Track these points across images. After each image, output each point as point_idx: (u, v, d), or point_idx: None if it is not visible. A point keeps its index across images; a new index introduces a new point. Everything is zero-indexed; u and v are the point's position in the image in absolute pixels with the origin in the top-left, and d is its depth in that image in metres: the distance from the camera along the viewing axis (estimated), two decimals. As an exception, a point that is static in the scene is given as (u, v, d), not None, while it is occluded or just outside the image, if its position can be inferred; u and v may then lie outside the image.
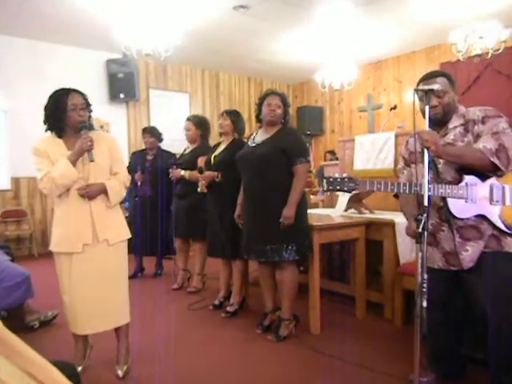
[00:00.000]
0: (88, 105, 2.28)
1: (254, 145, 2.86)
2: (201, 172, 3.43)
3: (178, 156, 4.31)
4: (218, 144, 3.56)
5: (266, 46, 6.64)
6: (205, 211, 3.58)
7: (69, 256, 2.21)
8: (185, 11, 5.12)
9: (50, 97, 2.24)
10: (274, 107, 2.79)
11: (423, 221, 1.61)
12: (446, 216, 1.88)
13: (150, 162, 4.44)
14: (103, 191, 2.23)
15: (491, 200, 1.81)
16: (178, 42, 4.78)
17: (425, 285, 1.60)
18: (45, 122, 2.26)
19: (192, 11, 5.15)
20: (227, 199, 3.18)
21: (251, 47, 6.67)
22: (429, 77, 1.96)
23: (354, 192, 3.51)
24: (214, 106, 8.03)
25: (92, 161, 2.16)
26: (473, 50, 5.05)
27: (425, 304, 1.60)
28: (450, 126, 1.93)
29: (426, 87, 1.77)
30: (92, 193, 2.19)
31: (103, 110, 6.36)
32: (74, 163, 2.14)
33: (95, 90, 6.49)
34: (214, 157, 3.41)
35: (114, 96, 6.71)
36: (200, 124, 4.00)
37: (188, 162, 3.91)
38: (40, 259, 5.79)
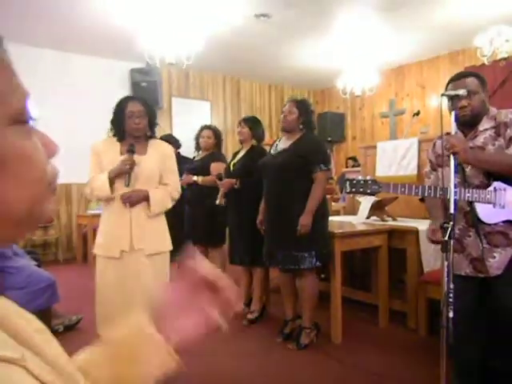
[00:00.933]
0: (149, 113, 2.32)
1: (276, 152, 2.86)
2: (220, 179, 3.44)
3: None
4: (237, 152, 3.58)
5: (286, 53, 6.66)
6: (220, 216, 3.62)
7: (107, 260, 2.23)
8: (206, 19, 5.19)
9: (116, 103, 2.34)
10: (286, 113, 2.81)
11: (449, 229, 1.57)
12: (473, 221, 1.84)
13: None
14: (145, 199, 2.22)
15: None
16: (199, 49, 4.84)
17: (451, 294, 1.56)
18: (111, 126, 2.35)
19: (214, 19, 5.22)
20: (246, 206, 3.19)
21: (272, 54, 6.70)
22: (459, 77, 1.91)
23: (375, 199, 3.49)
24: (235, 113, 8.07)
25: (127, 185, 2.16)
26: (498, 54, 4.94)
27: (451, 314, 1.56)
28: (480, 128, 1.88)
29: (453, 92, 1.73)
30: (133, 199, 2.19)
31: (127, 118, 6.48)
32: (112, 180, 2.18)
33: (119, 98, 6.64)
34: (233, 164, 3.43)
35: (137, 104, 6.83)
36: (218, 134, 4.10)
37: (200, 167, 3.94)
38: (65, 264, 5.91)
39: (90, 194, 2.30)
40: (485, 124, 1.88)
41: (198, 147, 4.13)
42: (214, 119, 7.75)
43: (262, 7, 4.90)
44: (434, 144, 2.11)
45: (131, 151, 2.17)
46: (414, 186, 1.82)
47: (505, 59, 5.01)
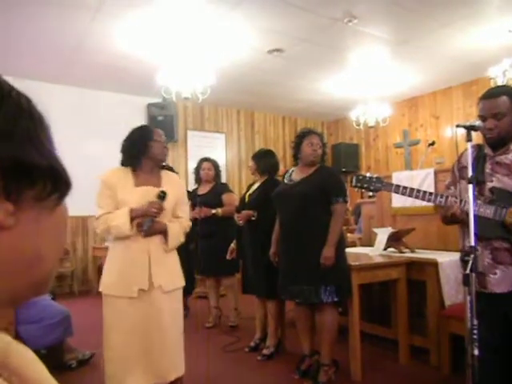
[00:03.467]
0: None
1: (291, 182, 2.85)
2: (238, 211, 3.48)
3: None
4: (252, 184, 3.60)
5: (300, 86, 6.78)
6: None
7: (121, 300, 2.08)
8: (221, 56, 5.35)
9: (135, 129, 2.27)
10: (316, 147, 2.78)
11: (471, 262, 1.52)
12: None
13: None
14: (163, 232, 2.15)
15: None
16: (214, 84, 4.96)
17: (475, 331, 1.50)
18: (123, 153, 2.24)
19: (228, 56, 5.37)
20: (262, 237, 3.17)
21: (285, 88, 6.82)
22: (491, 95, 1.84)
23: (392, 230, 3.44)
24: (250, 146, 8.16)
25: (146, 229, 2.06)
26: (512, 84, 4.95)
27: (476, 352, 1.49)
28: None
29: (468, 123, 1.70)
30: (151, 230, 2.10)
31: (143, 151, 6.61)
32: (132, 219, 2.08)
33: (138, 126, 6.80)
34: (249, 195, 3.44)
35: (153, 138, 6.98)
36: (217, 165, 4.26)
37: (211, 199, 4.01)
38: (80, 297, 5.90)
39: (105, 230, 2.12)
40: None
41: (198, 179, 4.22)
42: (229, 151, 7.85)
43: (274, 43, 5.04)
44: (461, 155, 2.03)
45: (162, 197, 2.10)
46: (415, 189, 1.84)
47: (519, 89, 5.01)
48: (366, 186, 1.95)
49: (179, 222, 2.24)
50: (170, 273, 2.20)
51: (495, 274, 1.75)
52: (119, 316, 2.09)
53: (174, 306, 2.21)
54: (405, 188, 1.87)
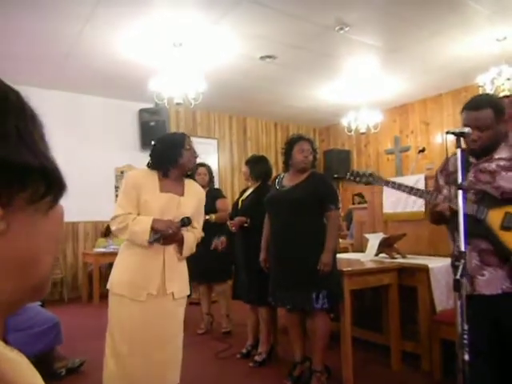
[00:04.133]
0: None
1: (283, 188, 2.85)
2: (231, 218, 3.47)
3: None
4: (246, 189, 3.60)
5: (292, 93, 6.81)
6: (225, 254, 3.66)
7: (129, 302, 2.06)
8: (213, 62, 5.36)
9: (168, 135, 2.30)
10: (307, 153, 2.78)
11: (461, 267, 1.54)
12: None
13: None
14: (179, 241, 2.15)
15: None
16: (206, 90, 4.98)
17: (466, 336, 1.51)
18: (153, 157, 2.21)
19: (220, 62, 5.39)
20: (254, 244, 3.16)
21: (277, 94, 6.85)
22: (474, 107, 1.84)
23: (384, 236, 3.45)
24: (242, 151, 8.17)
25: (149, 242, 2.04)
26: (500, 92, 5.02)
27: (467, 357, 1.50)
28: (496, 156, 1.86)
29: (458, 130, 1.72)
30: (169, 239, 2.10)
31: (135, 157, 6.58)
32: (152, 230, 2.06)
33: (128, 137, 6.77)
34: (242, 201, 3.44)
35: (145, 143, 6.94)
36: (211, 171, 4.27)
37: (206, 205, 3.99)
38: (69, 304, 5.83)
39: (121, 230, 2.07)
40: (501, 152, 1.86)
41: None
42: (221, 157, 7.85)
43: (267, 49, 5.07)
44: (447, 161, 2.05)
45: (184, 223, 2.10)
46: (404, 185, 1.95)
47: (507, 97, 5.08)
48: (358, 179, 2.07)
49: (194, 232, 2.25)
50: (181, 281, 2.21)
51: (483, 275, 1.77)
52: (125, 317, 2.07)
53: (179, 313, 2.22)
54: (393, 183, 1.97)
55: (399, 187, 1.95)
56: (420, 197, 1.97)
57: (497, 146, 1.87)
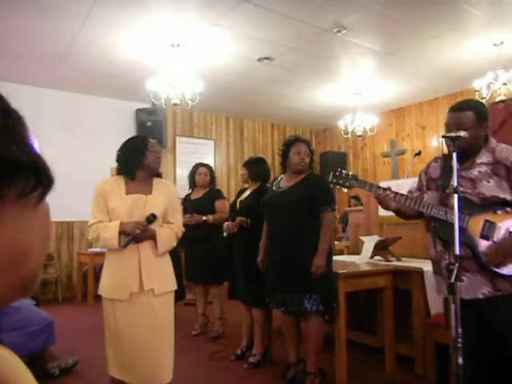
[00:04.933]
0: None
1: (279, 190, 2.85)
2: (233, 220, 3.46)
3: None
4: (243, 190, 3.60)
5: (289, 95, 6.82)
6: (222, 255, 3.62)
7: (115, 303, 2.16)
8: (211, 63, 5.36)
9: (129, 139, 2.34)
10: (304, 155, 2.78)
11: (455, 271, 1.54)
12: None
13: None
14: (152, 237, 2.18)
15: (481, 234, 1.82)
16: (204, 91, 4.98)
17: (459, 339, 1.51)
18: (118, 162, 2.30)
19: (217, 63, 5.39)
20: (252, 245, 3.16)
21: (275, 95, 6.86)
22: (458, 109, 1.90)
23: (379, 238, 3.46)
24: (238, 153, 8.18)
25: (123, 247, 2.10)
26: (496, 97, 5.05)
27: (460, 361, 1.50)
28: (478, 160, 1.89)
29: (453, 134, 1.74)
30: (140, 236, 2.14)
31: (131, 157, 6.57)
32: (120, 233, 2.13)
33: (125, 137, 6.67)
34: (240, 202, 3.44)
35: (142, 143, 6.94)
36: (212, 171, 4.25)
37: (204, 204, 3.98)
38: (64, 304, 5.81)
39: (95, 239, 2.21)
40: (482, 157, 1.89)
41: (193, 184, 4.19)
42: (218, 158, 7.85)
43: (264, 51, 5.07)
44: (429, 166, 2.12)
45: (150, 221, 2.13)
46: (388, 190, 1.95)
47: (503, 101, 5.11)
48: (341, 182, 2.01)
49: (170, 227, 2.27)
50: (162, 276, 2.22)
51: (462, 280, 1.78)
52: (113, 318, 2.16)
53: (166, 309, 2.23)
54: (378, 187, 1.94)
55: (384, 191, 1.95)
56: (403, 204, 1.97)
57: (478, 150, 1.90)
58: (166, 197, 2.28)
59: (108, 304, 2.19)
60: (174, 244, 2.30)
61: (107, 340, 2.22)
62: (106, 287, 2.21)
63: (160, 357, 2.17)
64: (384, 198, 1.97)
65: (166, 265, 2.29)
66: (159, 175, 2.37)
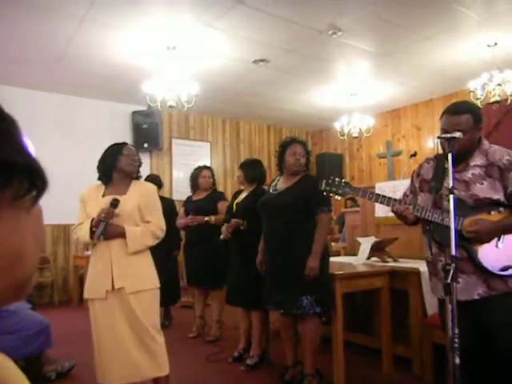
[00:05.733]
0: (139, 157, 2.48)
1: (276, 192, 2.85)
2: (226, 221, 3.45)
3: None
4: (239, 192, 3.60)
5: (285, 96, 6.83)
6: (222, 258, 3.61)
7: (95, 302, 2.24)
8: (206, 65, 5.36)
9: (107, 148, 2.44)
10: (299, 156, 2.78)
11: (452, 271, 1.55)
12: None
13: None
14: (122, 235, 2.23)
15: None
16: (199, 93, 4.98)
17: (456, 340, 1.52)
18: (97, 169, 2.41)
19: (213, 65, 5.39)
20: (250, 247, 3.15)
21: (271, 97, 6.87)
22: (455, 112, 1.88)
23: (376, 239, 3.47)
24: (235, 155, 8.18)
25: (97, 236, 2.19)
26: (491, 97, 5.08)
27: (457, 361, 1.51)
28: (471, 163, 1.90)
29: (449, 135, 1.75)
30: (108, 233, 2.20)
31: (127, 159, 6.56)
32: (92, 228, 2.22)
33: (120, 140, 6.65)
34: (236, 204, 3.44)
35: (138, 145, 6.90)
36: (214, 173, 4.26)
37: (206, 205, 3.98)
38: (60, 307, 5.78)
39: (77, 240, 2.40)
40: (476, 159, 1.90)
41: (195, 187, 4.17)
42: (214, 160, 7.84)
43: (260, 53, 5.08)
44: (421, 167, 2.12)
45: (114, 205, 2.19)
46: (381, 196, 1.93)
47: (498, 102, 5.14)
48: (334, 189, 1.98)
49: (144, 226, 2.29)
50: (135, 275, 2.24)
51: (458, 282, 1.79)
52: (94, 317, 2.24)
53: (146, 307, 2.24)
54: (371, 194, 1.94)
55: (377, 198, 1.95)
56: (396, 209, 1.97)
57: (472, 152, 1.90)
58: (141, 196, 2.33)
59: (90, 305, 2.28)
60: (149, 243, 2.31)
61: (94, 344, 2.26)
62: (86, 288, 2.31)
63: (143, 353, 2.20)
64: (404, 212, 1.91)
65: (143, 263, 2.30)
66: (137, 177, 2.44)
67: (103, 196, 2.32)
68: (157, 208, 2.40)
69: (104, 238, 2.22)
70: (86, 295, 2.31)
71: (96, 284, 2.23)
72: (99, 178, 2.42)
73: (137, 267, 2.26)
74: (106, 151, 2.43)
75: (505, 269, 1.79)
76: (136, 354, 2.19)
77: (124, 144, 2.45)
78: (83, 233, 2.25)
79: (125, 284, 2.19)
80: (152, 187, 2.49)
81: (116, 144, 2.46)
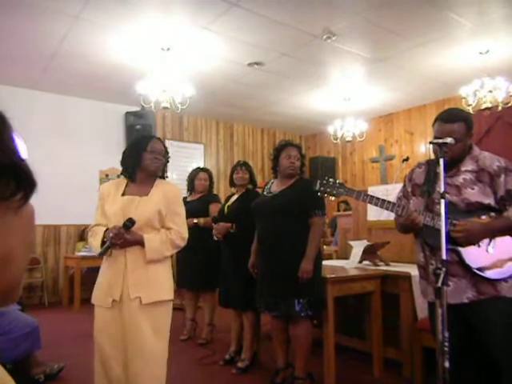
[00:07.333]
0: (166, 153, 2.25)
1: (269, 195, 2.86)
2: (215, 222, 3.41)
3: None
4: (231, 195, 3.58)
5: (279, 100, 6.85)
6: (214, 261, 3.58)
7: (102, 309, 2.05)
8: (201, 68, 5.36)
9: (133, 139, 2.28)
10: (294, 159, 2.78)
11: (442, 275, 1.56)
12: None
13: None
14: (139, 243, 2.03)
15: None
16: (194, 95, 4.97)
17: (446, 343, 1.53)
18: (121, 164, 2.23)
19: (208, 68, 5.39)
20: (241, 249, 3.15)
21: (265, 100, 6.89)
22: (448, 120, 1.89)
23: (368, 243, 3.48)
24: (228, 157, 8.18)
25: (98, 255, 2.04)
26: (483, 104, 5.13)
27: (447, 364, 1.52)
28: (462, 168, 1.92)
29: (440, 141, 1.77)
30: (125, 242, 2.00)
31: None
32: (105, 238, 2.04)
33: (113, 140, 6.70)
34: (228, 206, 3.43)
35: (131, 146, 6.90)
36: (211, 176, 4.21)
37: (198, 206, 3.93)
38: (50, 308, 5.73)
39: (91, 247, 2.20)
40: (467, 164, 1.92)
41: (191, 189, 4.14)
42: (207, 162, 7.84)
43: (254, 56, 5.09)
44: (413, 172, 2.14)
45: (127, 226, 1.98)
46: (375, 197, 1.94)
47: (489, 109, 5.20)
48: (328, 190, 1.97)
49: (165, 233, 2.10)
50: (152, 285, 2.05)
51: (448, 285, 1.80)
52: (99, 325, 2.06)
53: (158, 320, 2.07)
54: (366, 195, 1.95)
55: (371, 200, 1.96)
56: (391, 211, 1.98)
57: (463, 158, 1.93)
58: (164, 199, 2.12)
59: (96, 311, 2.10)
60: (168, 254, 2.11)
61: (95, 349, 2.08)
62: (94, 294, 2.12)
63: (148, 369, 2.01)
64: (417, 219, 1.88)
65: (159, 272, 2.09)
66: (162, 176, 2.25)
67: (123, 194, 2.12)
68: (180, 213, 2.19)
69: (117, 248, 2.03)
70: (92, 299, 2.13)
71: (104, 291, 2.05)
72: (122, 173, 2.23)
73: (153, 277, 2.06)
74: (129, 144, 2.23)
75: (490, 267, 1.81)
76: (136, 370, 2.00)
77: (150, 138, 2.23)
78: (95, 243, 2.07)
79: (140, 293, 2.00)
80: (177, 189, 2.25)
81: (140, 137, 2.26)
